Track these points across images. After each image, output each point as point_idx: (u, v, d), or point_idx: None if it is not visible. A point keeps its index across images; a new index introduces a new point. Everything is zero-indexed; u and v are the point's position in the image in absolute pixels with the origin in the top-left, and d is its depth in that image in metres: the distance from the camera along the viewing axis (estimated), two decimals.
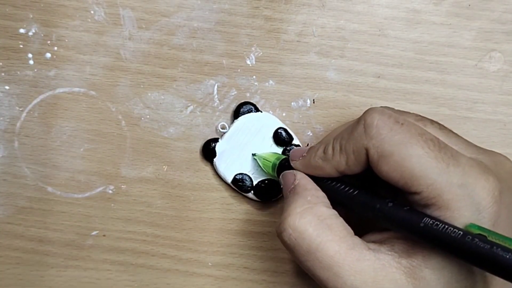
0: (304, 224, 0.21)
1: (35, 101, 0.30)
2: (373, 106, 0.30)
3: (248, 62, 0.30)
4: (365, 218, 0.22)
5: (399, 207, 0.20)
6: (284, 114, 0.30)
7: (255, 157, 0.29)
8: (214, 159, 0.30)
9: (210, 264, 0.30)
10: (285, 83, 0.30)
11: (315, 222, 0.21)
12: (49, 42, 0.30)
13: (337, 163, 0.22)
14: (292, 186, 0.23)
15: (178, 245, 0.30)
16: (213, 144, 0.30)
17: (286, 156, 0.27)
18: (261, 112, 0.30)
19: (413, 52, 0.30)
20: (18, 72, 0.30)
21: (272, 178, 0.30)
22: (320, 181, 0.24)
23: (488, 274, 0.20)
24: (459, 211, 0.19)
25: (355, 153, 0.22)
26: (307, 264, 0.21)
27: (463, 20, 0.31)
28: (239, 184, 0.29)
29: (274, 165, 0.27)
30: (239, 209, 0.30)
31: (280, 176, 0.25)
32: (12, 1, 0.30)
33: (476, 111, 0.31)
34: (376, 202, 0.21)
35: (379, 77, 0.31)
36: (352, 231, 0.22)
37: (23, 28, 0.30)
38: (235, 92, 0.30)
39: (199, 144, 0.30)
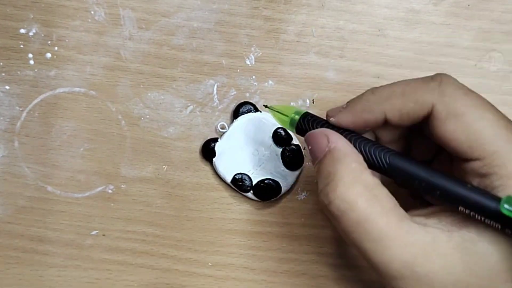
0: (354, 195, 0.20)
1: (35, 101, 0.30)
2: None
3: (248, 62, 0.30)
4: (402, 185, 0.21)
5: (477, 188, 0.19)
6: None
7: (266, 109, 0.26)
8: (214, 159, 0.30)
9: (209, 264, 0.30)
10: (284, 83, 0.30)
11: (364, 192, 0.20)
12: (49, 42, 0.30)
13: (390, 106, 0.21)
14: (327, 149, 0.21)
15: (178, 245, 0.30)
16: (213, 144, 0.30)
17: (307, 111, 0.24)
18: (261, 112, 0.30)
19: (413, 52, 0.31)
20: (19, 72, 0.30)
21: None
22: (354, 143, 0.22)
23: None
24: None
25: (417, 103, 0.20)
26: (354, 236, 0.20)
27: (463, 20, 0.31)
28: (238, 184, 0.30)
29: (292, 120, 0.24)
30: (239, 209, 0.30)
31: (306, 137, 0.23)
32: (13, 2, 0.30)
33: None
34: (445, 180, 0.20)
35: (378, 77, 0.31)
36: (397, 203, 0.21)
37: (23, 28, 0.30)
38: (235, 92, 0.30)
39: (198, 144, 0.30)
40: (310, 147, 0.23)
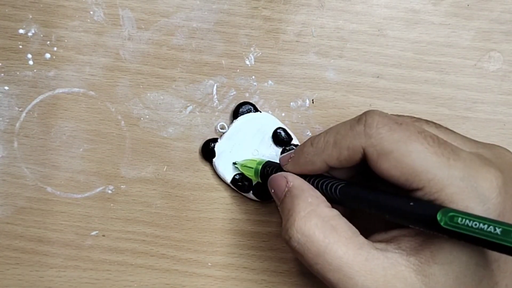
0: (311, 228, 0.21)
1: (34, 102, 0.30)
2: (372, 106, 0.30)
3: (247, 62, 0.30)
4: (360, 211, 0.22)
5: (419, 205, 0.20)
6: (283, 114, 0.30)
7: (236, 165, 0.29)
8: (214, 159, 0.30)
9: (209, 264, 0.30)
10: (284, 83, 0.30)
11: (320, 224, 0.21)
12: (48, 42, 0.30)
13: (328, 156, 0.22)
14: (286, 189, 0.23)
15: (178, 245, 0.30)
16: (213, 144, 0.30)
17: (267, 160, 0.27)
18: (260, 112, 0.30)
19: (412, 52, 0.31)
20: (18, 73, 0.30)
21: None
22: (310, 180, 0.24)
23: (494, 267, 0.20)
24: (464, 204, 0.19)
25: (349, 150, 0.22)
26: (317, 267, 0.21)
27: (462, 20, 0.31)
28: (238, 184, 0.29)
29: (256, 171, 0.27)
30: (239, 209, 0.31)
31: (268, 182, 0.25)
32: (12, 2, 0.30)
33: (475, 111, 0.31)
34: (390, 199, 0.21)
35: (378, 77, 0.31)
36: (357, 231, 0.22)
37: (22, 28, 0.30)
38: (234, 92, 0.30)
39: (198, 144, 0.30)
40: (272, 190, 0.24)
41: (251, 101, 0.30)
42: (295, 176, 0.24)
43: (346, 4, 0.30)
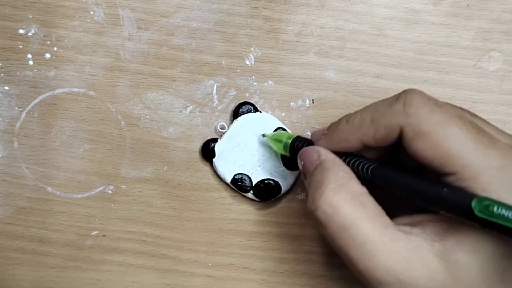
0: (340, 201, 0.21)
1: (34, 102, 0.30)
2: None
3: (247, 62, 0.30)
4: (389, 195, 0.22)
5: (453, 191, 0.20)
6: (283, 114, 0.30)
7: (264, 138, 0.29)
8: (214, 159, 0.30)
9: (210, 264, 0.31)
10: (284, 83, 0.30)
11: (350, 198, 0.21)
12: (48, 42, 0.30)
13: (363, 134, 0.22)
14: (318, 162, 0.23)
15: (178, 245, 0.30)
16: (213, 144, 0.30)
17: (298, 135, 0.27)
18: (260, 112, 0.30)
19: (412, 52, 0.31)
20: (18, 73, 0.30)
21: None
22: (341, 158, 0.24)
23: None
24: (497, 193, 0.19)
25: (387, 128, 0.21)
26: (340, 242, 0.20)
27: (462, 20, 0.31)
28: (238, 184, 0.30)
29: (286, 144, 0.27)
30: (239, 209, 0.31)
31: (299, 154, 0.25)
32: (12, 2, 0.30)
33: (475, 111, 0.30)
34: (423, 185, 0.21)
35: (378, 77, 0.31)
36: (383, 211, 0.21)
37: (22, 28, 0.30)
38: (234, 92, 0.30)
39: (198, 144, 0.30)
40: (302, 163, 0.24)
41: (251, 101, 0.30)
42: (328, 151, 0.24)
43: (346, 4, 0.30)
